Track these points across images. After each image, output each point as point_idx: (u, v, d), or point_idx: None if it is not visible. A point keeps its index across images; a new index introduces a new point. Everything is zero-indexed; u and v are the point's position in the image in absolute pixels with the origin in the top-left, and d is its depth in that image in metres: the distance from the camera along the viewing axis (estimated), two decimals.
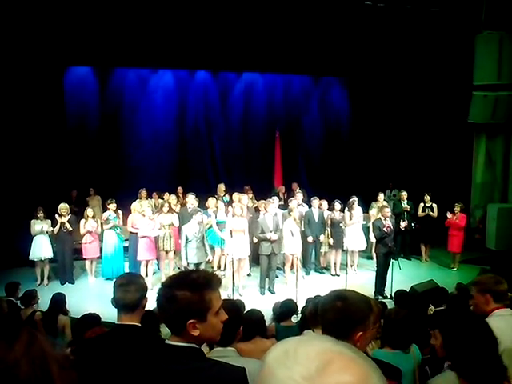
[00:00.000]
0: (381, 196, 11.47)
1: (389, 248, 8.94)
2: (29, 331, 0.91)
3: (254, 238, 9.60)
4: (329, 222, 10.32)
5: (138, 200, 10.97)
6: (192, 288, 1.74)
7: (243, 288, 9.28)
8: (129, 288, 2.50)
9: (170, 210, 10.09)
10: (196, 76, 14.21)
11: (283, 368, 0.79)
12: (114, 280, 2.66)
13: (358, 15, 11.53)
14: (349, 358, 0.77)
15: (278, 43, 11.88)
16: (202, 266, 8.63)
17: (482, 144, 11.50)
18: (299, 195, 10.92)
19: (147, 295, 2.61)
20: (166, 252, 9.83)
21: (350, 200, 10.45)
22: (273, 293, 9.23)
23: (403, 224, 10.26)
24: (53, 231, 9.66)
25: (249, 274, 10.22)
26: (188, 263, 8.59)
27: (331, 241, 10.36)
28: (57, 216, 9.66)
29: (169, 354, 1.76)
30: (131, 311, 2.49)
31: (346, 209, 10.39)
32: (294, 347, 0.81)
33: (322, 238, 10.30)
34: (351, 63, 12.76)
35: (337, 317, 2.00)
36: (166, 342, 1.81)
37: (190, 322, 1.72)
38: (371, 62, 12.57)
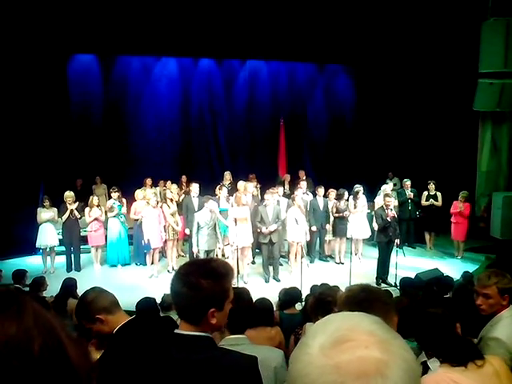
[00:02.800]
0: (389, 185, 11.40)
1: (390, 237, 8.95)
2: (31, 300, 0.82)
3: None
4: (334, 210, 10.32)
5: (142, 188, 11.00)
6: (215, 277, 1.75)
7: (247, 276, 9.33)
8: None
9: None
10: (200, 64, 14.15)
11: (312, 337, 0.79)
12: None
13: (364, 2, 11.42)
14: (375, 341, 0.75)
15: (283, 30, 11.79)
16: (212, 254, 8.66)
17: (487, 132, 11.43)
18: (303, 183, 10.88)
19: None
20: (172, 240, 9.89)
21: (355, 189, 10.46)
22: (278, 280, 9.27)
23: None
24: (61, 219, 9.72)
25: (253, 262, 10.27)
26: (198, 250, 8.61)
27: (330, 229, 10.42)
28: (67, 204, 9.73)
29: (183, 344, 1.75)
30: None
31: (351, 197, 10.40)
32: (334, 319, 0.82)
33: (327, 226, 10.34)
34: (356, 51, 12.67)
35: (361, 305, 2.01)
36: (177, 331, 1.80)
37: (211, 310, 1.73)
38: (376, 49, 12.48)
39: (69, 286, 6.45)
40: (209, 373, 1.68)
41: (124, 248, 10.16)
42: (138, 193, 10.08)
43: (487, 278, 3.10)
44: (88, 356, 0.86)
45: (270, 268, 9.42)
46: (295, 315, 5.35)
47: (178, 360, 1.72)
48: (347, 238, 10.39)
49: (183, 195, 10.87)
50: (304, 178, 12.04)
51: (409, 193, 11.23)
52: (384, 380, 0.71)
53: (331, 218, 10.41)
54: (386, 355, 0.73)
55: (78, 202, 9.93)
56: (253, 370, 1.75)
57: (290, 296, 5.59)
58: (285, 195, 10.60)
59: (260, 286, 8.76)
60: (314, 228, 10.11)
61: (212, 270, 1.77)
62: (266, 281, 9.29)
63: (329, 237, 10.60)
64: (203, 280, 1.72)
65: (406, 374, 0.73)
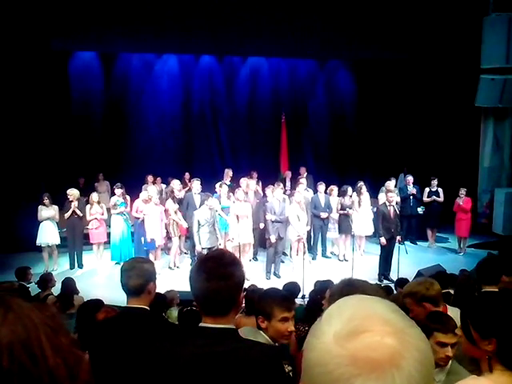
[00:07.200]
0: (392, 181, 11.30)
1: (392, 233, 8.96)
2: (2, 300, 0.82)
3: (261, 223, 9.65)
4: (338, 207, 10.30)
5: (146, 185, 10.99)
6: (238, 263, 1.83)
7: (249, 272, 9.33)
8: (131, 273, 2.51)
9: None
10: (201, 61, 14.13)
11: (327, 323, 0.78)
12: (121, 264, 2.65)
13: None
14: (391, 331, 0.74)
15: (283, 27, 11.77)
16: None
17: (489, 128, 11.42)
18: (303, 180, 10.83)
19: (155, 280, 2.60)
20: (171, 238, 9.92)
21: (358, 185, 10.44)
22: (278, 277, 9.29)
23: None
24: (63, 216, 9.72)
25: (255, 259, 10.29)
26: (202, 248, 8.61)
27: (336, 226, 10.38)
28: (70, 202, 9.73)
29: (209, 337, 1.76)
30: (136, 295, 2.52)
31: (355, 194, 10.39)
32: (349, 304, 0.81)
33: (324, 215, 10.23)
34: (357, 47, 12.64)
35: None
36: (202, 325, 1.80)
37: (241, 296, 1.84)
38: (377, 45, 12.44)
39: (69, 284, 6.55)
40: (236, 364, 1.69)
41: (127, 245, 10.15)
42: (144, 193, 10.01)
43: None
44: (77, 365, 0.83)
45: (273, 264, 9.44)
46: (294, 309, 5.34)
47: (204, 352, 1.72)
48: (352, 235, 10.37)
49: (184, 192, 10.89)
50: (305, 174, 12.03)
51: (411, 189, 11.18)
52: (399, 371, 0.71)
53: (335, 215, 10.37)
54: (401, 346, 0.73)
55: (78, 200, 9.89)
56: (278, 361, 1.79)
57: (288, 291, 5.59)
58: (286, 192, 10.58)
59: (261, 283, 8.75)
60: (323, 215, 10.11)
61: (233, 258, 1.85)
62: (268, 277, 9.31)
63: (333, 235, 10.56)
64: (232, 269, 1.78)
65: (420, 364, 0.73)
